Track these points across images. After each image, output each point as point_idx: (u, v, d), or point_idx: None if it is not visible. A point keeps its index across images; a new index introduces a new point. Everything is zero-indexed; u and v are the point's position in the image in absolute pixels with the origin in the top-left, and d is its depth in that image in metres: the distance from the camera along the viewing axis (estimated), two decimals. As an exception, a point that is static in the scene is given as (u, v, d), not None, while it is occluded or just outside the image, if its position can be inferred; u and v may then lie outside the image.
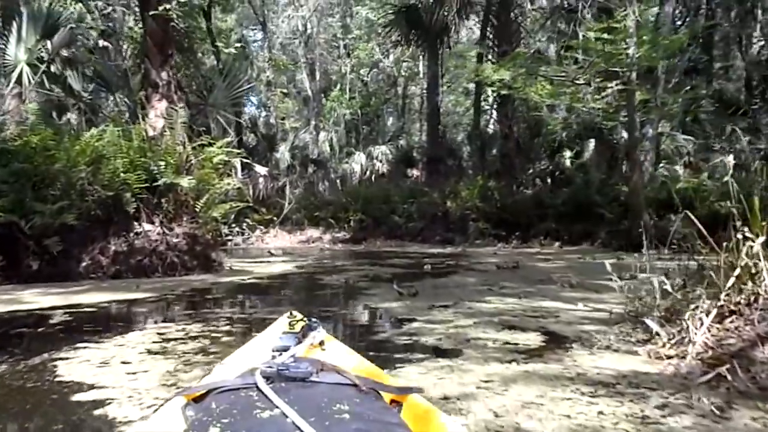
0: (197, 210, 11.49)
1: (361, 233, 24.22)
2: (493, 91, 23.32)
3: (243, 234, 21.93)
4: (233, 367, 1.83)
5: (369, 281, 9.36)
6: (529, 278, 9.21)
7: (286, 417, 1.28)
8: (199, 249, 11.30)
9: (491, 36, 23.34)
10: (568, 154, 24.66)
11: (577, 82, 15.27)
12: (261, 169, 14.32)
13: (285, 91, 38.85)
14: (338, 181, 33.16)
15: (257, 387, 1.45)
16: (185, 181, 11.01)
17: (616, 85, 14.78)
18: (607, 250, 16.23)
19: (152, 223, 11.09)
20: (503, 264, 11.37)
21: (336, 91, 37.55)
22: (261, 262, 14.29)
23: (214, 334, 5.00)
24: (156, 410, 1.72)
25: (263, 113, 39.78)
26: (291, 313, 2.60)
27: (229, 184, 12.29)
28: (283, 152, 30.92)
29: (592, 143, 23.84)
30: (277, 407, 1.32)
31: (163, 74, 12.15)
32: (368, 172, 32.97)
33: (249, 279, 10.05)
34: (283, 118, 38.57)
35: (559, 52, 15.24)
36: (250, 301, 7.82)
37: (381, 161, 33.18)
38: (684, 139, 21.96)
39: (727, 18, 19.70)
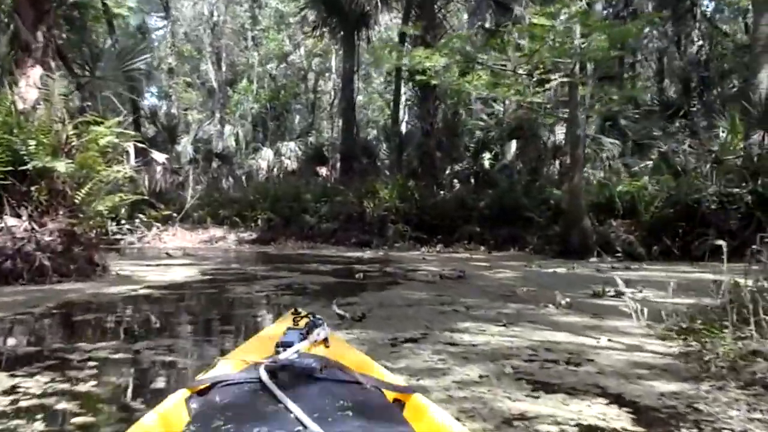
0: (77, 202, 9.20)
1: (270, 233, 22.12)
2: (414, 84, 21.65)
3: (135, 232, 19.39)
4: (237, 361, 1.72)
5: (293, 294, 7.39)
6: (489, 292, 7.50)
7: (290, 412, 1.25)
8: (78, 250, 9.03)
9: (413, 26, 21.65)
10: (487, 155, 23.39)
11: (519, 72, 13.71)
12: (159, 157, 12.09)
13: (188, 80, 36.13)
14: (244, 177, 30.84)
15: (261, 382, 1.43)
16: (62, 166, 8.72)
17: (560, 77, 13.31)
18: (543, 256, 14.84)
19: (18, 216, 8.75)
20: (446, 273, 9.62)
21: (243, 83, 35.22)
22: (157, 265, 12.05)
23: (63, 403, 2.93)
24: (160, 403, 1.49)
25: (164, 103, 36.82)
26: (295, 310, 2.43)
27: (119, 171, 10.00)
28: (185, 145, 28.45)
29: (513, 144, 22.55)
30: (280, 402, 1.30)
31: (38, 34, 9.79)
32: (276, 170, 30.88)
33: (139, 289, 7.88)
34: (186, 109, 35.88)
35: (490, 42, 13.54)
36: (135, 328, 5.68)
37: (289, 158, 31.20)
38: (611, 142, 20.89)
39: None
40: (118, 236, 18.28)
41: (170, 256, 14.67)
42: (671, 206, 13.81)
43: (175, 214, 23.46)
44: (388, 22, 33.18)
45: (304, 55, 36.49)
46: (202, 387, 1.57)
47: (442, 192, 21.91)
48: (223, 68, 36.91)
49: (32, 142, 8.79)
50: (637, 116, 23.30)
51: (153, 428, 1.37)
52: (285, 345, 1.79)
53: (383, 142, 26.52)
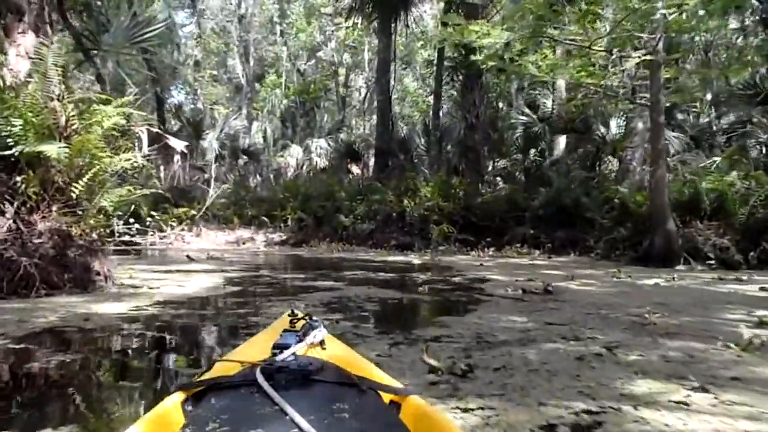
0: (75, 196, 7.37)
1: (301, 234, 20.33)
2: (458, 73, 19.69)
3: (148, 232, 17.60)
4: (233, 363, 1.66)
5: (351, 319, 5.44)
6: (607, 317, 5.56)
7: (286, 415, 1.24)
8: (75, 255, 7.19)
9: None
10: (532, 151, 21.40)
11: (596, 48, 11.67)
12: (178, 144, 10.13)
13: (215, 73, 34.41)
14: (272, 175, 29.09)
15: (257, 384, 1.40)
16: (53, 150, 6.88)
17: (644, 55, 11.26)
18: (616, 263, 12.84)
19: (1, 213, 6.97)
20: (528, 286, 7.67)
21: (271, 77, 33.46)
22: (175, 271, 10.23)
23: None
24: (155, 406, 1.48)
25: (190, 98, 35.12)
26: (292, 311, 2.28)
27: (127, 160, 8.16)
28: (210, 141, 26.66)
29: (563, 139, 20.51)
30: (276, 405, 1.29)
31: (32, -6, 7.98)
32: (305, 167, 29.09)
33: (146, 308, 6.01)
34: (213, 104, 34.14)
35: (564, 12, 11.46)
36: (119, 398, 3.79)
37: (319, 156, 29.42)
38: (674, 136, 18.78)
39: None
40: (138, 237, 16.54)
41: (192, 260, 12.85)
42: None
43: (196, 213, 21.81)
44: (423, 13, 31.33)
45: (335, 48, 34.60)
46: (198, 389, 1.53)
47: (488, 190, 19.92)
48: (251, 62, 35.23)
49: (17, 122, 6.99)
50: (694, 108, 21.22)
51: (149, 431, 1.33)
52: (281, 347, 1.70)
53: (421, 137, 24.51)
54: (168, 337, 4.72)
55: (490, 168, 22.40)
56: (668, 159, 20.75)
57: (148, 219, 20.64)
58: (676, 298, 6.95)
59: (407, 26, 24.82)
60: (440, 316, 5.59)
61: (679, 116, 20.35)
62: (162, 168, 18.04)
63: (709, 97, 21.58)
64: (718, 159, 15.95)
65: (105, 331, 4.83)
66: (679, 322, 5.21)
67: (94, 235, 7.66)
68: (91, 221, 7.67)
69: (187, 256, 13.34)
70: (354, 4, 24.09)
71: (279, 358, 1.59)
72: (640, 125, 18.18)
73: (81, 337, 4.58)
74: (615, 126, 19.00)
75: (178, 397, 1.52)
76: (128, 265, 10.76)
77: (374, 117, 31.83)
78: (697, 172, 13.30)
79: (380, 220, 19.06)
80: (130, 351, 4.26)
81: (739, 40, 23.33)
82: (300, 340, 1.80)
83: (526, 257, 15.08)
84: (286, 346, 1.71)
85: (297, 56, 37.13)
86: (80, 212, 7.50)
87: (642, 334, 4.69)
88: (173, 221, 20.68)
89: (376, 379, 1.66)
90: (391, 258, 14.57)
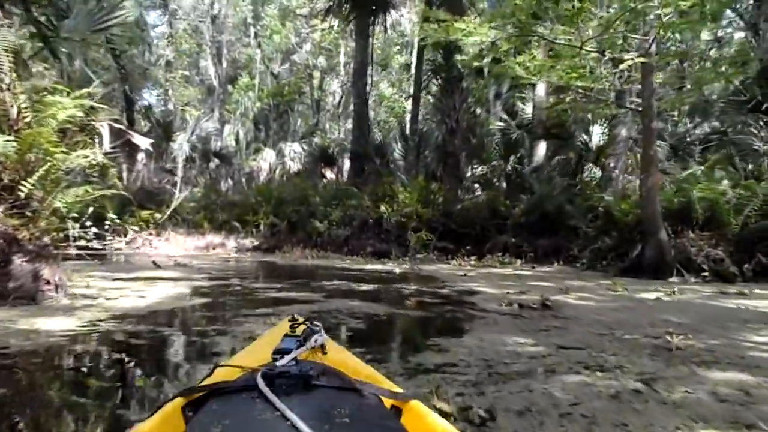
0: (24, 195, 6.58)
1: (273, 240, 19.52)
2: (438, 74, 19.05)
3: (104, 237, 16.64)
4: (234, 369, 1.61)
5: (340, 340, 4.74)
6: (623, 340, 4.93)
7: (287, 420, 1.22)
8: (22, 261, 6.39)
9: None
10: (512, 157, 20.86)
11: (590, 49, 11.08)
12: (142, 141, 9.36)
13: (186, 74, 33.47)
14: (244, 179, 28.21)
15: (258, 389, 1.38)
16: (-1, 144, 6.12)
17: (636, 57, 10.69)
18: (603, 273, 12.32)
19: (-63, 214, 6.19)
20: (523, 301, 7.01)
21: (245, 80, 32.62)
22: (138, 279, 9.43)
23: None
24: (155, 411, 1.44)
25: (161, 99, 34.11)
26: (293, 317, 2.24)
27: (86, 157, 7.37)
28: (181, 143, 25.73)
29: (543, 145, 19.98)
30: (277, 410, 1.26)
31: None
32: (278, 171, 28.30)
33: (96, 324, 5.24)
34: (185, 105, 33.16)
35: (555, 9, 10.82)
36: None
37: (293, 160, 28.62)
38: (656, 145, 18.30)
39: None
40: (96, 242, 15.58)
41: (157, 266, 12.02)
42: (768, 216, 11.22)
43: (162, 217, 20.91)
44: (400, 17, 30.76)
45: (310, 51, 33.85)
46: (198, 395, 1.49)
47: (467, 196, 19.31)
48: (224, 64, 34.36)
49: (-42, 112, 6.21)
50: (673, 118, 20.84)
51: None
52: (282, 352, 1.68)
53: (398, 142, 23.84)
54: (119, 361, 3.97)
55: (468, 174, 21.80)
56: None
57: (111, 223, 19.76)
58: (685, 315, 6.33)
59: (385, 29, 24.18)
60: (436, 336, 4.90)
61: (660, 125, 19.93)
62: (125, 167, 17.14)
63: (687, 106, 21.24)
64: (700, 168, 15.48)
65: (45, 353, 4.07)
66: (706, 346, 4.59)
67: (46, 240, 6.86)
68: (43, 224, 6.87)
69: (153, 263, 12.51)
70: (331, 5, 23.39)
71: (280, 363, 1.56)
72: (624, 132, 17.73)
73: (15, 360, 3.82)
74: (597, 133, 18.50)
75: (179, 402, 1.48)
76: (87, 273, 9.96)
77: (349, 121, 31.18)
78: (688, 180, 12.75)
79: (356, 226, 18.34)
80: (72, 379, 3.52)
81: (713, 51, 23.08)
82: (300, 345, 1.76)
83: (508, 267, 14.46)
84: (287, 351, 1.68)
85: (271, 59, 36.32)
86: (30, 214, 6.70)
87: (674, 362, 4.05)
88: (138, 226, 19.76)
89: (377, 384, 1.61)
90: (368, 266, 13.86)
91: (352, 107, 28.61)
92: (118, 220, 10.36)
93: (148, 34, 35.18)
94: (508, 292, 8.25)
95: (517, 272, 12.80)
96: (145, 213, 20.64)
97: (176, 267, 12.29)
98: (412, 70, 32.71)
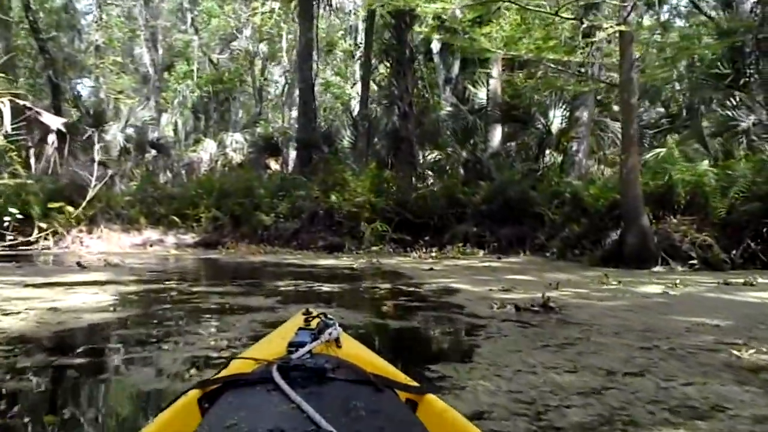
0: None
1: (216, 235, 18.11)
2: (392, 53, 17.81)
3: (3, 236, 14.95)
4: (249, 361, 1.60)
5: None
6: (672, 352, 3.81)
7: (303, 413, 1.18)
8: None
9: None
10: (469, 142, 19.81)
11: (564, 16, 9.98)
12: (53, 120, 7.74)
13: (118, 59, 31.46)
14: (184, 171, 26.54)
15: (274, 382, 1.34)
16: None
17: (615, 25, 9.64)
18: (576, 262, 11.38)
19: None
20: (520, 303, 5.85)
21: (182, 66, 30.84)
22: (56, 284, 7.98)
23: None
24: (170, 403, 1.41)
25: (92, 88, 32.01)
26: (306, 310, 2.24)
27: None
28: (114, 133, 23.93)
29: (498, 129, 18.98)
30: (293, 403, 1.23)
31: None
32: (219, 163, 26.74)
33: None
34: (119, 93, 31.13)
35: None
36: None
37: (235, 151, 27.11)
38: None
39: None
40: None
41: (83, 267, 10.50)
42: (758, 199, 10.31)
43: (107, 213, 19.25)
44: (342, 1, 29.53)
45: (251, 37, 32.18)
46: (214, 387, 1.46)
47: (422, 184, 18.15)
48: (160, 51, 32.45)
49: None
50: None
51: (165, 429, 1.31)
52: (297, 345, 1.63)
53: (347, 128, 22.53)
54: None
55: (421, 161, 20.66)
56: (606, 153, 19.65)
57: (11, 219, 17.96)
58: (717, 314, 5.27)
59: (330, 6, 22.79)
60: (437, 362, 3.65)
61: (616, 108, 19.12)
62: (32, 152, 15.24)
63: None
64: (661, 150, 14.60)
65: None
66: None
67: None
68: None
69: (78, 263, 10.96)
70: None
71: (295, 356, 1.52)
72: (585, 115, 16.80)
73: None
74: (557, 116, 17.52)
75: (195, 394, 1.44)
76: (-3, 277, 8.50)
77: (294, 110, 29.76)
78: (666, 160, 11.81)
79: (305, 219, 17.01)
80: None
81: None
82: (315, 338, 1.68)
83: (472, 258, 13.38)
84: (302, 344, 1.61)
85: (209, 45, 34.56)
86: None
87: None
88: (65, 222, 18.06)
89: (392, 377, 1.57)
90: (322, 261, 12.57)
91: (296, 94, 27.28)
92: (20, 216, 8.72)
93: (77, 19, 33.12)
94: (491, 290, 7.13)
95: (484, 264, 11.71)
96: (71, 209, 18.93)
97: (105, 268, 10.81)
98: (357, 55, 31.55)
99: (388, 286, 7.83)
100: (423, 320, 5.24)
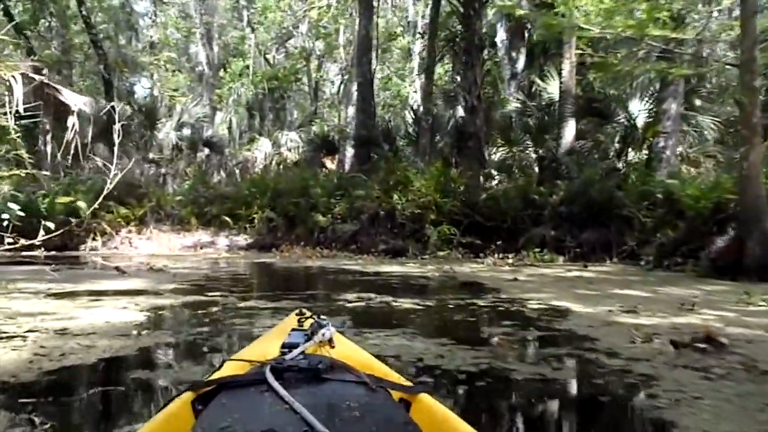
0: None
1: (270, 237, 16.88)
2: (460, 42, 16.33)
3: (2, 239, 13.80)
4: (242, 363, 1.64)
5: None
6: None
7: (296, 413, 1.20)
8: None
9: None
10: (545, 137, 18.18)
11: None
12: (75, 99, 6.39)
13: (173, 56, 30.67)
14: (237, 170, 25.46)
15: (267, 383, 1.36)
16: None
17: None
18: (677, 273, 9.74)
19: None
20: (667, 334, 4.34)
21: (238, 62, 29.87)
22: (81, 293, 6.76)
23: None
24: (164, 405, 1.43)
25: (148, 86, 31.27)
26: (300, 311, 2.30)
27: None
28: (168, 131, 22.99)
29: (572, 124, 17.25)
30: (286, 404, 1.25)
31: None
32: (273, 162, 25.58)
33: None
34: (174, 91, 30.29)
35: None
36: None
37: (290, 150, 25.91)
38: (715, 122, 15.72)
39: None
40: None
41: (121, 272, 9.30)
42: None
43: (158, 212, 18.25)
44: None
45: (307, 31, 31.02)
46: (207, 389, 1.45)
47: (491, 184, 16.61)
48: (215, 49, 31.57)
49: None
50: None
51: (159, 431, 1.32)
52: (290, 346, 1.66)
53: (408, 125, 21.05)
54: None
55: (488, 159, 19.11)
56: (689, 152, 17.75)
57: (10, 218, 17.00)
58: None
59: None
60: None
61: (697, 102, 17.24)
62: (49, 136, 13.90)
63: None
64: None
65: None
66: None
67: None
68: None
69: (116, 268, 9.76)
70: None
71: (288, 357, 1.54)
72: (674, 108, 15.03)
73: None
74: (638, 109, 15.75)
75: (188, 396, 1.44)
76: (16, 284, 7.34)
77: (350, 108, 28.52)
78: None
79: (365, 220, 15.62)
80: None
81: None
82: (309, 339, 1.72)
83: (553, 265, 11.82)
84: (295, 345, 1.64)
85: (265, 44, 33.57)
86: None
87: None
88: (115, 222, 17.10)
89: (385, 377, 1.58)
90: (386, 267, 11.16)
91: (353, 90, 26.02)
92: (22, 213, 7.57)
93: (135, 19, 32.49)
94: (609, 311, 5.62)
95: (572, 273, 10.13)
96: (125, 210, 17.94)
97: (147, 273, 9.60)
98: (417, 50, 30.12)
99: (477, 302, 6.33)
100: (549, 363, 3.74)
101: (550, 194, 14.46)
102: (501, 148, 19.13)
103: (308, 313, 2.19)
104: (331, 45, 31.92)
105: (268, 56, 33.82)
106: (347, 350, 1.82)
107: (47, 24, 25.89)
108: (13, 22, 19.68)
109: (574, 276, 9.60)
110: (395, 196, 15.35)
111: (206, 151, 24.43)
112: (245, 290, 7.82)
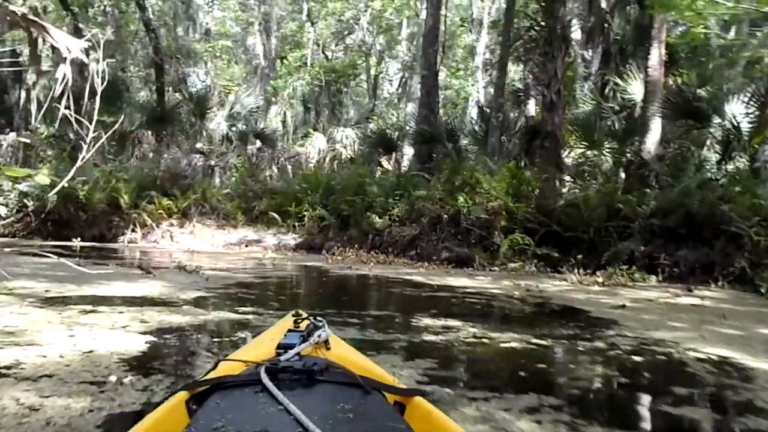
0: None
1: (320, 237, 15.36)
2: (542, 31, 14.52)
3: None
4: (237, 363, 1.59)
5: None
6: None
7: (290, 414, 1.18)
8: None
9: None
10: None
11: None
12: (69, 43, 4.77)
13: (229, 43, 29.48)
14: (290, 166, 24.01)
15: (262, 384, 1.35)
16: None
17: None
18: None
19: None
20: None
21: (294, 54, 28.54)
22: (79, 299, 5.25)
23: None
24: (159, 405, 1.38)
25: (201, 75, 30.10)
26: (296, 312, 2.20)
27: None
28: (219, 122, 21.69)
29: (658, 124, 15.16)
30: (281, 405, 1.24)
31: None
32: (327, 159, 24.07)
33: None
34: (227, 81, 29.10)
35: None
36: None
37: (345, 147, 24.38)
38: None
39: None
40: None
41: (146, 272, 7.78)
42: None
43: (202, 206, 16.91)
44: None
45: (369, 23, 29.49)
46: (202, 389, 1.43)
47: (566, 189, 14.74)
48: (273, 41, 30.30)
49: None
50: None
51: (152, 431, 1.26)
52: (286, 347, 1.63)
53: (475, 122, 19.25)
54: None
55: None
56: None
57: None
58: None
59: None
60: None
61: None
62: (34, 83, 11.90)
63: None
64: None
65: None
66: None
67: None
68: None
69: (141, 267, 8.27)
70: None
71: (283, 358, 1.52)
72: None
73: None
74: (742, 111, 13.70)
75: (182, 396, 1.42)
76: (20, 280, 5.92)
77: (410, 105, 26.93)
78: None
79: (426, 224, 13.87)
80: None
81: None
82: (304, 340, 1.68)
83: (648, 286, 9.92)
84: (291, 346, 1.62)
85: (324, 38, 32.22)
86: None
87: None
88: (156, 214, 15.82)
89: (380, 379, 1.56)
90: (454, 280, 9.43)
91: (414, 88, 24.39)
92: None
93: (195, 11, 31.49)
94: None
95: (685, 299, 8.25)
96: (167, 201, 16.63)
97: (176, 274, 8.08)
98: (479, 52, 28.37)
99: (600, 343, 4.58)
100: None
101: (638, 204, 12.54)
102: (575, 150, 17.25)
103: (304, 314, 2.07)
104: (392, 39, 30.37)
105: (326, 51, 32.49)
106: (343, 352, 1.76)
107: (102, 8, 24.98)
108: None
109: (688, 304, 7.73)
110: (461, 199, 13.59)
111: (258, 143, 23.07)
112: (288, 304, 6.21)
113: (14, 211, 15.77)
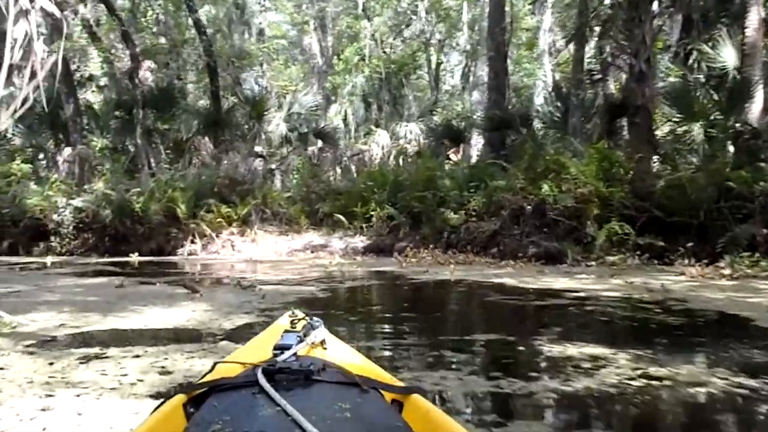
0: None
1: (390, 237, 14.05)
2: None
3: None
4: (234, 365, 1.54)
5: None
6: None
7: (288, 415, 1.15)
8: None
9: None
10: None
11: None
12: None
13: (283, 43, 28.48)
14: (353, 165, 22.78)
15: (259, 385, 1.31)
16: None
17: None
18: None
19: None
20: None
21: (352, 48, 27.34)
22: (90, 338, 4.02)
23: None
24: (156, 408, 1.35)
25: (258, 78, 29.21)
26: (293, 312, 2.10)
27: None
28: (277, 123, 20.61)
29: (760, 94, 13.27)
30: (278, 406, 1.20)
31: None
32: (392, 156, 22.71)
33: None
34: (285, 82, 28.14)
35: None
36: None
37: (409, 142, 22.99)
38: None
39: None
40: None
41: (192, 292, 6.54)
42: None
43: (264, 212, 15.82)
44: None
45: (427, 11, 28.06)
46: (199, 391, 1.39)
47: (667, 168, 12.96)
48: (329, 38, 29.19)
49: None
50: None
51: None
52: (282, 348, 1.57)
53: (551, 105, 17.56)
54: None
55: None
56: None
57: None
58: None
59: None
60: None
61: None
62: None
63: None
64: None
65: None
66: None
67: None
68: None
69: (185, 286, 7.05)
70: None
71: (280, 358, 1.48)
72: None
73: None
74: None
75: (179, 399, 1.38)
76: (35, 312, 4.78)
77: (475, 93, 25.39)
78: None
79: (507, 217, 12.37)
80: None
81: None
82: (301, 341, 1.63)
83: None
84: (287, 347, 1.57)
85: (381, 31, 30.96)
86: None
87: None
88: (215, 223, 14.79)
89: (378, 378, 1.51)
90: (552, 281, 7.92)
91: (479, 74, 22.85)
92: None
93: (250, 15, 30.69)
94: None
95: None
96: (226, 209, 15.60)
97: (226, 292, 6.83)
98: (544, 29, 26.66)
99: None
100: None
101: (754, 181, 10.74)
102: (661, 128, 15.42)
103: (301, 315, 1.99)
104: (452, 27, 28.88)
105: (384, 47, 31.26)
106: (340, 352, 1.73)
107: (155, 16, 24.30)
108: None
109: None
110: (545, 187, 12.02)
111: (318, 143, 21.92)
112: (358, 333, 4.85)
113: (71, 227, 15.05)
